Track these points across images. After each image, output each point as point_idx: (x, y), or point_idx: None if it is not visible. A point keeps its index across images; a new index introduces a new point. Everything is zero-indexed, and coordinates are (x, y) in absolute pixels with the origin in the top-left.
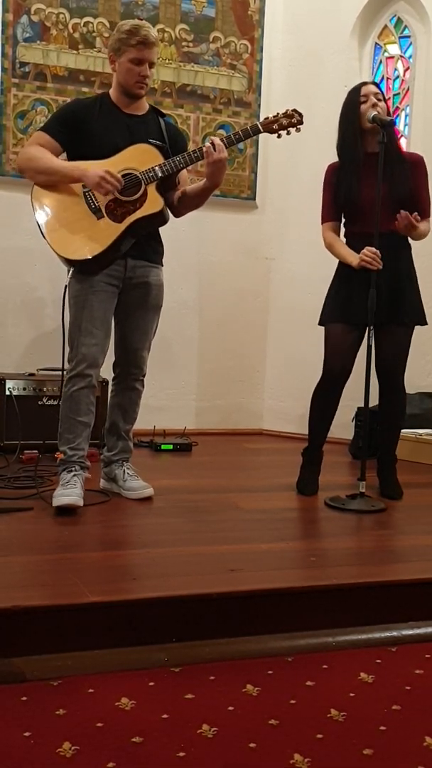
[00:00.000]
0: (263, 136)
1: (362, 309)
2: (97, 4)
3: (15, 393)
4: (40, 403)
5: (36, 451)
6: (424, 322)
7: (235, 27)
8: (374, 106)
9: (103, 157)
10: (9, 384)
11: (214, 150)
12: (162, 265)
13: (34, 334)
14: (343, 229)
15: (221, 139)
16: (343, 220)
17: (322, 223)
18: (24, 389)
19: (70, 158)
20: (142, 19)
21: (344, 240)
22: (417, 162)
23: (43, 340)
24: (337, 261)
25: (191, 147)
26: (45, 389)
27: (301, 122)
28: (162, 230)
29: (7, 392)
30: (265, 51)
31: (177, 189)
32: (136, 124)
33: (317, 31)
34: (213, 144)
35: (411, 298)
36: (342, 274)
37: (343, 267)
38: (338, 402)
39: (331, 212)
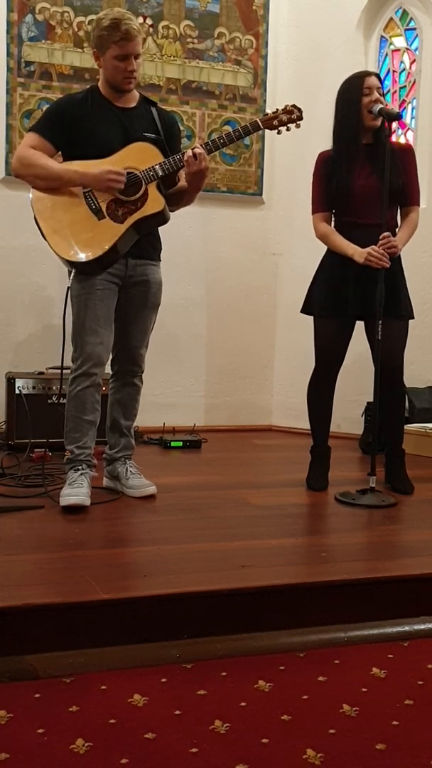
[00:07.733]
0: (268, 132)
1: (356, 302)
2: (101, 1)
3: (24, 392)
4: (49, 401)
5: (45, 449)
6: (413, 316)
7: (239, 22)
8: (376, 101)
9: (101, 155)
10: (18, 383)
11: (195, 160)
12: (160, 261)
13: (42, 332)
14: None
15: (218, 139)
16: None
17: (313, 213)
18: (33, 388)
19: (65, 158)
20: (146, 17)
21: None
22: (407, 150)
23: (51, 338)
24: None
25: (195, 142)
26: (54, 388)
27: (300, 117)
28: (168, 226)
29: (17, 391)
30: (270, 46)
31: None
32: (129, 118)
33: (322, 25)
34: (194, 154)
35: (405, 291)
36: (332, 263)
37: (333, 256)
38: (334, 393)
39: (322, 203)
